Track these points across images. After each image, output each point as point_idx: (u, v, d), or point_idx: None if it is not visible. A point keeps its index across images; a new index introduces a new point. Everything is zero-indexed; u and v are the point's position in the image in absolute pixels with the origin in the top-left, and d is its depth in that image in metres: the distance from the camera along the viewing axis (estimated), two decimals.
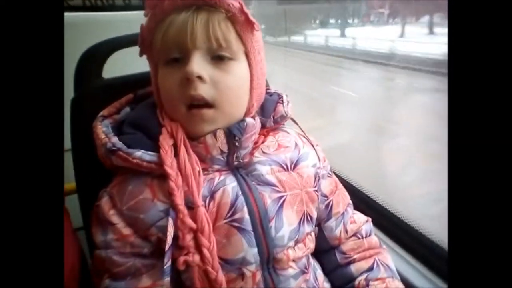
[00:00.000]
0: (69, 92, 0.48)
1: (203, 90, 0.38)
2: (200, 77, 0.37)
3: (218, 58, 0.39)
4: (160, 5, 0.39)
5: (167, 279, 0.34)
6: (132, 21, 0.50)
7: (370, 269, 0.49)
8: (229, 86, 0.39)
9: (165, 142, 0.38)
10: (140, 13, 0.42)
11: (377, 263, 0.49)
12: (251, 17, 0.39)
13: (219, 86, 0.38)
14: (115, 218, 0.39)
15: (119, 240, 0.39)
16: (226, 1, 0.38)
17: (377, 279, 0.48)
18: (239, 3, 0.39)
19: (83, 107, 0.51)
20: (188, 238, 0.36)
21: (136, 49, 0.45)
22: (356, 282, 0.48)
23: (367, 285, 0.47)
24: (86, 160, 0.48)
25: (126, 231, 0.39)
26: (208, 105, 0.38)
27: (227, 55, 0.39)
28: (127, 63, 0.52)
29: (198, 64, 0.37)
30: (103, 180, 0.42)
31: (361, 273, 0.49)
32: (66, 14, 0.50)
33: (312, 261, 0.49)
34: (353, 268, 0.49)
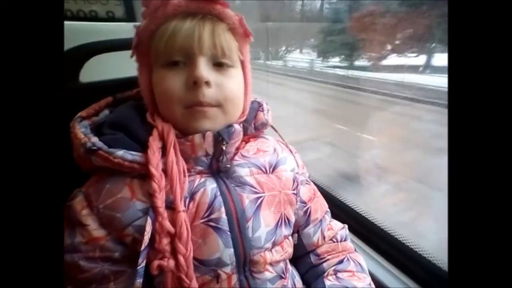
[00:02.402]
0: None
1: (209, 95, 0.39)
2: (207, 82, 0.38)
3: (219, 65, 0.41)
4: (162, 9, 0.39)
5: (139, 281, 0.33)
6: (114, 31, 0.50)
7: (340, 262, 0.50)
8: (231, 89, 0.41)
9: (155, 143, 0.38)
10: (123, 24, 0.41)
11: (348, 258, 0.50)
12: (248, 30, 0.42)
13: (223, 88, 0.40)
14: (87, 219, 0.38)
15: (89, 243, 0.37)
16: (229, 13, 0.41)
17: (346, 271, 0.48)
18: (239, 16, 0.42)
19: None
20: (165, 242, 0.35)
21: (115, 55, 0.44)
22: (325, 274, 0.48)
23: (336, 276, 0.48)
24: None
25: (98, 233, 0.38)
26: (211, 105, 0.39)
27: (228, 62, 0.41)
28: (106, 68, 0.52)
29: (205, 69, 0.39)
30: (75, 183, 0.41)
31: (331, 267, 0.49)
32: None
33: (291, 267, 0.49)
34: (325, 264, 0.50)
